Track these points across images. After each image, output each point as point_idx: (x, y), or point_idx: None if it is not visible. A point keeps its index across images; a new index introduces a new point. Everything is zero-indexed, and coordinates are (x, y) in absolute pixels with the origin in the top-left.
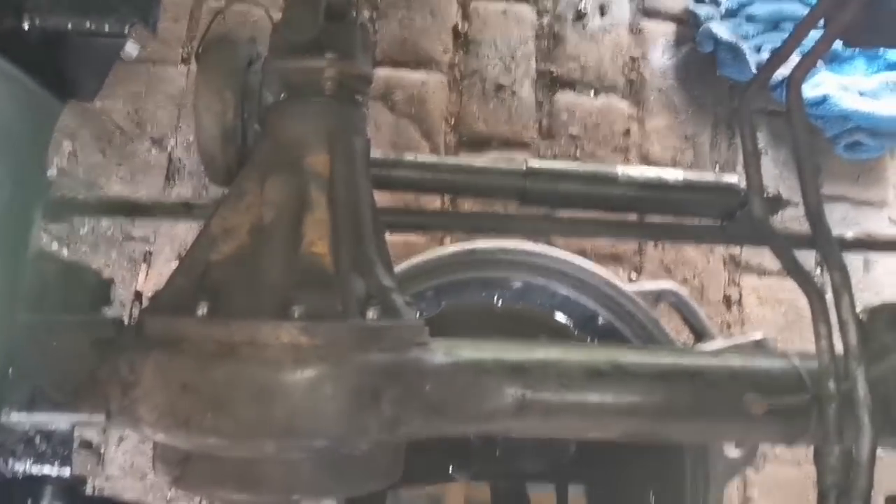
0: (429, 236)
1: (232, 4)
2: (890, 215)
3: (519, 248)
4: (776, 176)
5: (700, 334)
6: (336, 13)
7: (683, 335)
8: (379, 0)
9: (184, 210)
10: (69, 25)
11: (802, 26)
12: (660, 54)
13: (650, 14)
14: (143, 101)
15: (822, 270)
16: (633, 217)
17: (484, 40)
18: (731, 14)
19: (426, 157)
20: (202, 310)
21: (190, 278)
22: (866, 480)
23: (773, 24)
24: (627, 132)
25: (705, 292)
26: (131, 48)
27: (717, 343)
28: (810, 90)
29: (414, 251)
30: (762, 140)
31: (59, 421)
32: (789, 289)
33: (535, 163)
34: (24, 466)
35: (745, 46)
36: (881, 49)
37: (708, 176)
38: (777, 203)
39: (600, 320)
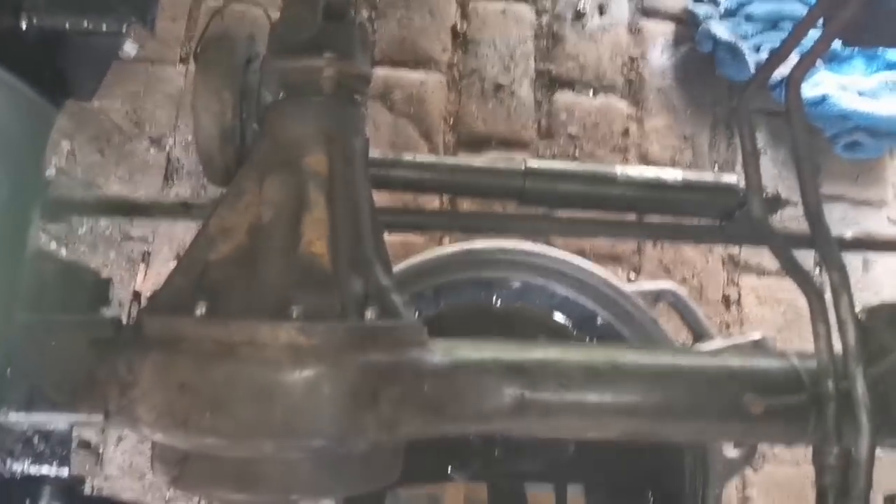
0: (427, 236)
1: (230, 4)
2: (889, 215)
3: (518, 248)
4: (775, 176)
5: (699, 334)
6: (334, 12)
7: (682, 335)
8: None
9: (182, 210)
10: (67, 25)
11: (801, 26)
12: (659, 54)
13: (649, 14)
14: (141, 100)
15: (820, 270)
16: (631, 217)
17: (483, 40)
18: (729, 14)
19: (425, 157)
20: (201, 310)
21: (188, 278)
22: (865, 480)
23: (772, 23)
24: (626, 132)
25: (704, 292)
26: (130, 47)
27: (716, 343)
28: (809, 90)
29: (413, 251)
30: (761, 140)
31: (57, 421)
32: (788, 289)
33: (534, 163)
34: (23, 466)
35: (744, 46)
36: (880, 49)
37: (707, 176)
38: (776, 203)
39: (599, 320)
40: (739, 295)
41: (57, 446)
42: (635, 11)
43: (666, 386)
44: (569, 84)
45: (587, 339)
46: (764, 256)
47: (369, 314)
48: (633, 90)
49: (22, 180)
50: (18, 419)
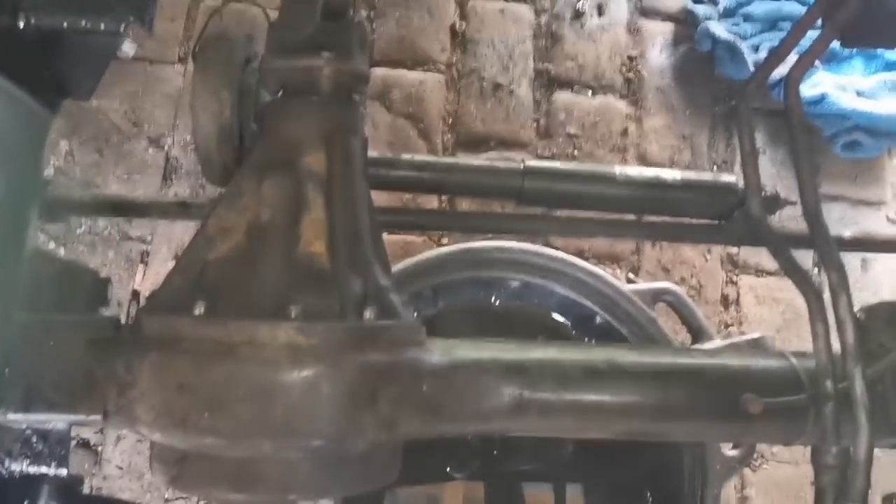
0: (426, 236)
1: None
2: (888, 214)
3: (516, 248)
4: (774, 175)
5: (698, 334)
6: (333, 12)
7: (681, 335)
8: None
9: (181, 209)
10: (65, 24)
11: (800, 26)
12: (657, 54)
13: (648, 13)
14: (139, 100)
15: (819, 270)
16: (630, 217)
17: (482, 39)
18: (728, 13)
19: (424, 157)
20: (199, 309)
21: (187, 278)
22: (863, 480)
23: (771, 23)
24: (625, 132)
25: (703, 292)
26: (128, 47)
27: (715, 343)
28: (808, 89)
29: (411, 251)
30: (760, 139)
31: (55, 420)
32: (787, 288)
33: (533, 162)
34: (21, 466)
35: (743, 46)
36: (879, 49)
37: (706, 175)
38: (775, 202)
39: (598, 320)
40: (738, 295)
41: (55, 446)
42: (634, 11)
43: (665, 385)
44: (568, 84)
45: (586, 339)
46: (763, 256)
47: (368, 314)
48: (632, 90)
49: (20, 181)
50: (17, 419)
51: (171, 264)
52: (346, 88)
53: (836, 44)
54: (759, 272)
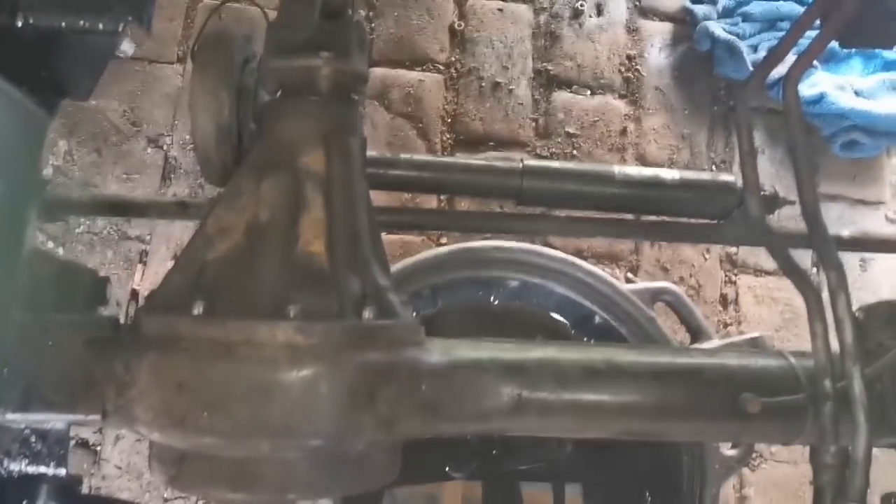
0: (425, 236)
1: (227, 3)
2: (886, 214)
3: (515, 248)
4: (773, 175)
5: (696, 333)
6: (332, 11)
7: (680, 334)
8: None
9: (180, 209)
10: (63, 24)
11: (798, 25)
12: (656, 53)
13: (647, 13)
14: (138, 99)
15: (818, 269)
16: (629, 216)
17: (480, 39)
18: (727, 13)
19: (422, 157)
20: (198, 309)
21: (186, 277)
22: (862, 479)
23: (770, 23)
24: (624, 131)
25: (702, 291)
26: (127, 46)
27: (714, 342)
28: (807, 89)
29: (410, 251)
30: (759, 139)
31: (54, 420)
32: (786, 288)
33: (532, 162)
34: (20, 466)
35: (742, 45)
36: (878, 49)
37: (704, 175)
38: (774, 202)
39: (597, 319)
40: (737, 294)
41: (54, 446)
42: (633, 11)
43: (663, 385)
44: (566, 83)
45: (585, 339)
46: (761, 256)
47: (367, 314)
48: (631, 89)
49: (18, 181)
50: (15, 418)
51: (169, 264)
52: (344, 88)
53: (834, 43)
54: (758, 272)
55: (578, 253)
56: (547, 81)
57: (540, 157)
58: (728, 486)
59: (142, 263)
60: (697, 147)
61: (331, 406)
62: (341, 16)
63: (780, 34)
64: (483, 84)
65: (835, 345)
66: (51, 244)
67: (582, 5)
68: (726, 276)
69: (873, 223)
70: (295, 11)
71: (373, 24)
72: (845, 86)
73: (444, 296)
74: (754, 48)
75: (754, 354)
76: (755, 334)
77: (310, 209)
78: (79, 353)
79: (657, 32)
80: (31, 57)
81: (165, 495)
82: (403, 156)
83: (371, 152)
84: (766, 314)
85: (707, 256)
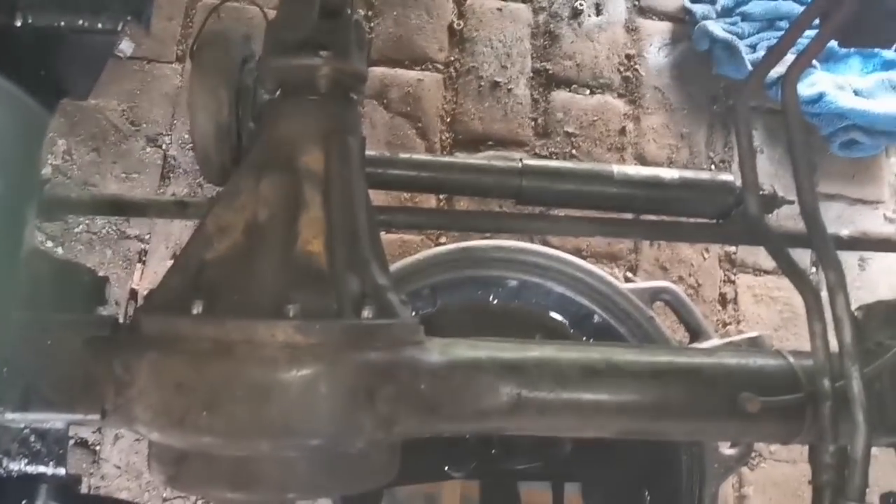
0: (424, 235)
1: (226, 2)
2: (885, 213)
3: (514, 247)
4: (772, 174)
5: (695, 333)
6: (331, 11)
7: (679, 334)
8: None
9: (179, 208)
10: (62, 23)
11: (797, 25)
12: (655, 53)
13: (646, 12)
14: (137, 99)
15: (817, 269)
16: (628, 216)
17: (479, 38)
18: (726, 12)
19: (422, 156)
20: (197, 308)
21: (185, 277)
22: (861, 478)
23: (769, 22)
24: (623, 130)
25: (701, 291)
26: (126, 46)
27: (713, 341)
28: (806, 89)
29: (410, 250)
30: (758, 138)
31: (54, 420)
32: (785, 287)
33: (531, 161)
34: (19, 465)
35: (741, 45)
36: (877, 48)
37: (703, 174)
38: (773, 201)
39: (596, 319)
40: (736, 293)
41: (53, 445)
42: (632, 10)
43: (662, 384)
44: (565, 82)
45: (584, 338)
46: (760, 255)
47: (366, 313)
48: (630, 89)
49: (17, 180)
50: (15, 418)
51: (169, 263)
52: (343, 88)
53: (833, 43)
54: (757, 271)
55: (577, 252)
56: (546, 81)
57: (539, 156)
58: (727, 485)
59: (141, 263)
60: (696, 146)
61: (330, 405)
62: (340, 15)
63: (779, 34)
64: (482, 83)
65: (834, 344)
66: (50, 243)
67: (581, 5)
68: (725, 275)
69: (872, 222)
70: (294, 11)
71: (372, 24)
72: (844, 85)
73: (443, 295)
74: (753, 47)
75: (753, 354)
76: (754, 334)
77: (309, 208)
78: (78, 353)
79: (656, 32)
80: (30, 56)
81: (165, 495)
82: (402, 155)
83: (370, 151)
84: (765, 313)
85: (706, 256)
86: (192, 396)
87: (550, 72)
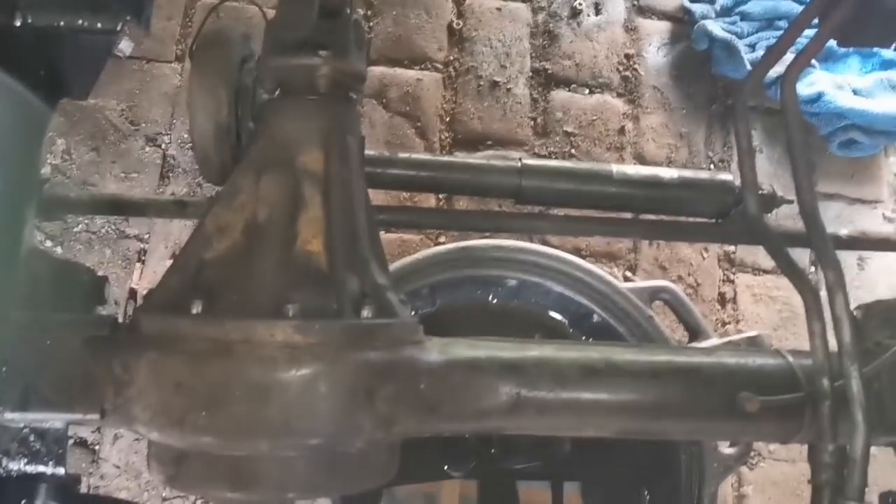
0: (424, 234)
1: (225, 1)
2: (884, 213)
3: (514, 247)
4: (771, 174)
5: (695, 332)
6: (330, 10)
7: (678, 333)
8: None
9: (178, 208)
10: (62, 23)
11: (796, 25)
12: (654, 52)
13: (645, 12)
14: (137, 98)
15: (816, 268)
16: (628, 215)
17: (479, 38)
18: (725, 12)
19: (421, 156)
20: (196, 308)
21: (184, 277)
22: (860, 477)
23: (768, 22)
24: (622, 130)
25: (700, 290)
26: (126, 45)
27: (712, 341)
28: (805, 88)
29: (409, 249)
30: (757, 138)
31: (53, 419)
32: (784, 287)
33: (530, 161)
34: (19, 465)
35: (740, 44)
36: (875, 48)
37: (702, 174)
38: (772, 201)
39: (595, 318)
40: (735, 293)
41: (53, 445)
42: (631, 10)
43: (662, 384)
44: (565, 82)
45: (583, 338)
46: (759, 254)
47: (365, 313)
48: (629, 88)
49: (17, 179)
50: (14, 418)
51: (168, 263)
52: (343, 87)
53: (832, 42)
54: (756, 270)
55: (577, 252)
56: (545, 80)
57: (538, 155)
58: (726, 484)
59: (140, 262)
60: (695, 146)
61: (330, 405)
62: (339, 15)
63: (778, 33)
64: (481, 83)
65: (833, 344)
66: (49, 243)
67: (580, 4)
68: (724, 274)
69: (871, 222)
70: (293, 10)
71: (371, 23)
72: (843, 85)
73: (442, 295)
74: (752, 47)
75: (752, 353)
76: (753, 333)
77: (308, 208)
78: (77, 353)
79: (655, 31)
80: (29, 55)
81: (164, 494)
82: (402, 155)
83: (369, 151)
84: (765, 313)
85: (705, 255)
86: (191, 396)
87: (549, 71)
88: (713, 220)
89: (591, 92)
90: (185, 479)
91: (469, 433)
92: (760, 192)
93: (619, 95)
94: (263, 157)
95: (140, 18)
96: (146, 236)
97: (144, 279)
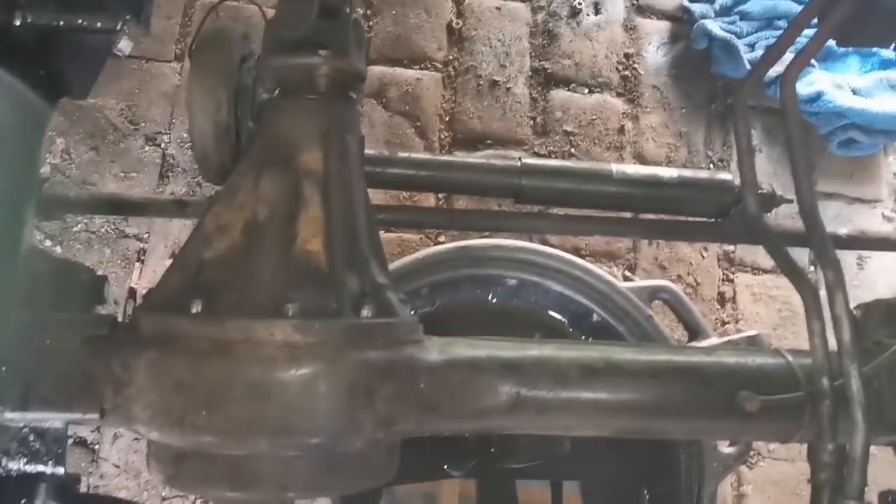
0: (423, 234)
1: (225, 1)
2: (883, 212)
3: (513, 246)
4: (770, 173)
5: (694, 331)
6: (330, 10)
7: (678, 332)
8: None
9: (178, 207)
10: (61, 22)
11: (796, 24)
12: (654, 51)
13: (644, 11)
14: (136, 98)
15: (815, 268)
16: (627, 215)
17: (478, 37)
18: (725, 11)
19: (421, 155)
20: (196, 308)
21: (184, 276)
22: (860, 477)
23: (768, 21)
24: (622, 129)
25: (699, 290)
26: (125, 45)
27: (712, 340)
28: (804, 88)
29: (409, 249)
30: (756, 137)
31: (52, 419)
32: (783, 286)
33: (530, 160)
34: (18, 465)
35: (740, 44)
36: (875, 47)
37: (702, 173)
38: (771, 200)
39: (595, 317)
40: (735, 292)
41: (52, 444)
42: (630, 9)
43: (661, 383)
44: (564, 81)
45: (583, 337)
46: (759, 254)
47: (365, 312)
48: (629, 88)
49: (17, 178)
50: (14, 417)
51: (167, 262)
52: (342, 86)
53: (832, 42)
54: (756, 270)
55: (576, 251)
56: (545, 80)
57: (538, 155)
58: (726, 483)
59: (140, 262)
60: (695, 145)
61: (329, 404)
62: (339, 14)
63: (778, 32)
64: (481, 82)
65: (832, 343)
66: (48, 242)
67: (579, 4)
68: (724, 274)
69: (870, 221)
70: (293, 10)
71: (371, 23)
72: (842, 84)
73: (442, 294)
74: (752, 46)
75: (752, 353)
76: (753, 332)
77: (308, 207)
78: (77, 352)
79: (655, 31)
80: (29, 55)
81: (163, 494)
82: (401, 154)
83: (369, 150)
84: (764, 312)
85: (705, 255)
86: (191, 396)
87: (549, 71)
88: (713, 220)
89: (591, 91)
90: (184, 479)
91: (469, 432)
92: (760, 191)
93: (619, 95)
94: (263, 157)
95: (139, 18)
96: (146, 236)
97: (144, 279)
